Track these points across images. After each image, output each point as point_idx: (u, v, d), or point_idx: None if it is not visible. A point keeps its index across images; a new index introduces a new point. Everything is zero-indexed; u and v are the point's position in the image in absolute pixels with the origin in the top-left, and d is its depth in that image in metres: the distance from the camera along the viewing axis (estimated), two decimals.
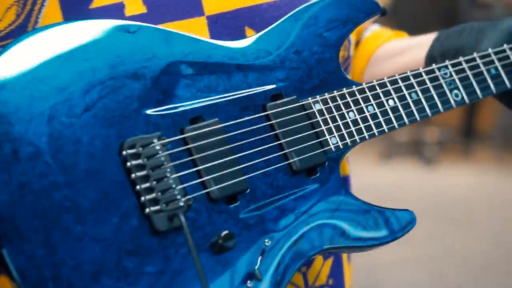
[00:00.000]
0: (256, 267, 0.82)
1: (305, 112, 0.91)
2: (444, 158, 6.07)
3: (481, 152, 6.28)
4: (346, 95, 0.94)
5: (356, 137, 0.93)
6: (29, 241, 0.73)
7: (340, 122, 0.92)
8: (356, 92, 0.95)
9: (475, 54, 1.04)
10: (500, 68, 1.04)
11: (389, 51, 1.23)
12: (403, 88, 0.97)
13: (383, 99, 0.96)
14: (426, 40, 1.16)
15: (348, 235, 0.89)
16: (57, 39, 0.80)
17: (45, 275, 0.73)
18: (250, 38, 0.93)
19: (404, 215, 0.93)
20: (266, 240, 0.84)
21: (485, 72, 1.03)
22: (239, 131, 0.86)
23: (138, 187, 0.78)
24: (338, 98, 0.93)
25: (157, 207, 0.78)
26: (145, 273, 0.77)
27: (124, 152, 0.79)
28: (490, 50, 1.05)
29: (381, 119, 0.95)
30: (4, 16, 0.89)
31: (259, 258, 0.83)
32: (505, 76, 1.04)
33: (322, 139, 0.91)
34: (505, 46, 1.06)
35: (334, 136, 0.92)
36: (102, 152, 0.79)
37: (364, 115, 0.94)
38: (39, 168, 0.75)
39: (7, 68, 0.77)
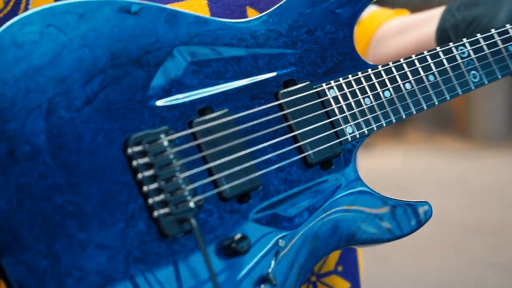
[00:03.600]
0: (270, 270, 0.77)
1: (319, 100, 0.85)
2: (377, 141, 6.08)
3: (412, 133, 6.34)
4: (362, 79, 0.88)
5: (374, 125, 0.87)
6: (30, 251, 0.67)
7: (356, 110, 0.86)
8: (372, 76, 0.89)
9: (493, 31, 0.98)
10: None
11: (393, 28, 1.17)
12: (420, 70, 0.91)
13: (400, 83, 0.90)
14: (434, 14, 1.10)
15: (364, 231, 0.84)
16: (51, 23, 0.73)
17: (47, 287, 0.67)
18: (259, 16, 0.86)
19: (421, 206, 0.88)
20: (280, 241, 0.79)
21: (503, 50, 0.98)
22: (251, 123, 0.80)
23: (145, 188, 0.73)
24: (353, 83, 0.87)
25: (166, 210, 0.73)
26: (154, 281, 0.72)
27: (129, 150, 0.73)
28: (508, 26, 0.99)
29: (398, 104, 0.89)
30: None
31: (273, 261, 0.78)
32: None
33: (337, 129, 0.85)
34: None
35: (350, 125, 0.86)
36: (106, 150, 0.72)
37: (381, 101, 0.88)
38: (38, 169, 0.69)
39: None
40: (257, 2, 0.91)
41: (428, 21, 1.10)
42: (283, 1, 0.87)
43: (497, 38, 0.98)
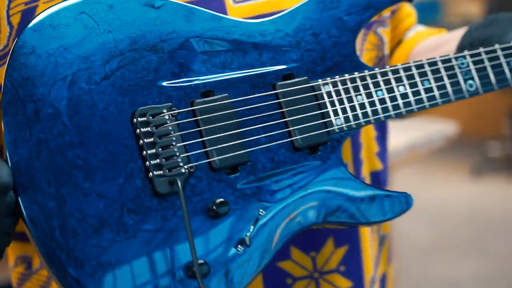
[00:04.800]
0: (248, 234, 0.89)
1: (313, 93, 0.96)
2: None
3: None
4: (357, 79, 0.98)
5: (361, 120, 0.98)
6: (42, 193, 0.83)
7: (347, 105, 0.97)
8: (368, 77, 0.99)
9: (496, 46, 1.06)
10: None
11: (426, 46, 1.25)
12: (415, 75, 1.01)
13: (393, 85, 1.00)
14: (459, 33, 1.18)
15: (342, 212, 0.95)
16: (84, 11, 0.88)
17: (53, 224, 0.82)
18: (271, 18, 0.98)
19: (399, 197, 0.97)
20: (261, 210, 0.91)
21: (504, 64, 1.05)
22: (247, 107, 0.93)
23: (144, 152, 0.87)
24: (348, 81, 0.98)
25: (160, 172, 0.87)
26: (143, 230, 0.85)
27: (135, 120, 0.87)
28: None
29: (389, 104, 0.99)
30: None
31: (252, 226, 0.90)
32: None
33: (327, 119, 0.96)
34: None
35: (339, 118, 0.97)
36: (116, 118, 0.87)
37: (372, 99, 0.99)
38: (57, 128, 0.84)
39: (37, 35, 0.86)
40: None
41: (453, 40, 1.18)
42: (296, 5, 1.00)
43: (499, 53, 1.06)
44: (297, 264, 1.09)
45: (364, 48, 1.13)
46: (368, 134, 1.16)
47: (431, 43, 1.24)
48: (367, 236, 1.15)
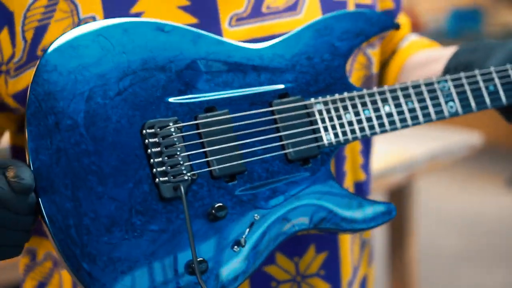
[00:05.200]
0: (244, 236, 0.99)
1: (306, 111, 1.07)
2: None
3: None
4: (346, 99, 1.09)
5: (349, 136, 1.08)
6: (60, 195, 0.93)
7: (336, 122, 1.07)
8: (356, 97, 1.09)
9: (476, 71, 1.16)
10: (498, 86, 1.16)
11: (416, 61, 1.35)
12: (400, 96, 1.11)
13: (379, 105, 1.10)
14: (447, 54, 1.27)
15: (330, 219, 1.05)
16: (102, 34, 0.99)
17: (69, 222, 0.93)
18: (269, 42, 1.09)
19: (383, 207, 1.07)
20: (256, 215, 1.01)
21: (483, 88, 1.15)
22: (245, 122, 1.03)
23: (152, 160, 0.97)
24: (338, 101, 1.08)
25: (165, 178, 0.97)
26: (149, 230, 0.96)
27: (144, 131, 0.98)
28: (492, 68, 1.16)
29: (375, 122, 1.09)
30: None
31: (247, 229, 1.00)
32: (502, 93, 1.16)
33: (317, 135, 1.06)
34: (507, 65, 1.17)
35: (329, 134, 1.07)
36: (127, 129, 0.98)
37: (359, 117, 1.09)
38: (74, 137, 0.95)
39: (58, 54, 0.97)
40: None
41: (443, 59, 1.27)
42: (293, 32, 1.10)
43: (479, 78, 1.16)
44: (281, 269, 1.19)
45: (354, 68, 1.23)
46: (353, 148, 1.26)
47: (422, 58, 1.34)
48: (347, 242, 1.25)
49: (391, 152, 2.85)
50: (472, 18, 6.60)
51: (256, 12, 1.13)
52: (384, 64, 1.40)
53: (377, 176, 2.61)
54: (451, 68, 1.23)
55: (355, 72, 1.23)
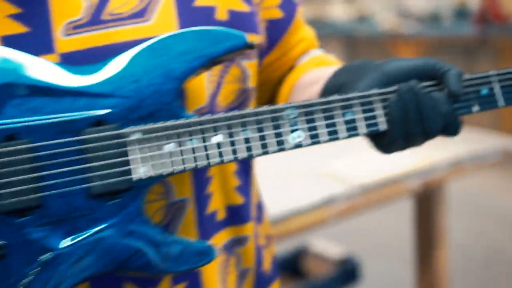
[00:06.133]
0: (25, 280, 0.93)
1: (121, 140, 0.98)
2: None
3: None
4: (169, 127, 1.00)
5: (162, 170, 0.99)
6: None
7: (152, 153, 0.99)
8: (181, 126, 1.00)
9: (334, 97, 1.04)
10: (355, 116, 1.04)
11: (306, 80, 1.24)
12: (235, 125, 1.01)
13: (210, 134, 1.00)
14: (329, 73, 1.16)
15: (136, 259, 0.97)
16: None
17: None
18: (100, 66, 1.01)
19: (197, 247, 0.98)
20: (44, 255, 0.94)
21: (339, 117, 1.04)
22: (48, 152, 0.96)
23: None
24: (159, 129, 0.99)
25: None
26: None
27: None
28: (351, 95, 1.04)
29: (200, 153, 1.00)
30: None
31: (34, 271, 0.94)
32: (363, 122, 1.04)
33: (130, 167, 0.98)
34: (372, 90, 1.05)
35: (144, 166, 0.99)
36: None
37: (182, 148, 1.00)
38: None
39: None
40: None
41: (323, 79, 1.17)
42: (132, 52, 1.01)
43: (335, 104, 1.04)
44: None
45: (225, 80, 1.13)
46: (223, 168, 1.16)
47: (312, 77, 1.23)
48: (213, 271, 1.15)
49: (410, 156, 2.76)
50: None
51: (95, 20, 1.05)
52: (281, 80, 1.29)
53: (393, 182, 2.63)
54: (327, 88, 1.12)
55: (226, 85, 1.14)
